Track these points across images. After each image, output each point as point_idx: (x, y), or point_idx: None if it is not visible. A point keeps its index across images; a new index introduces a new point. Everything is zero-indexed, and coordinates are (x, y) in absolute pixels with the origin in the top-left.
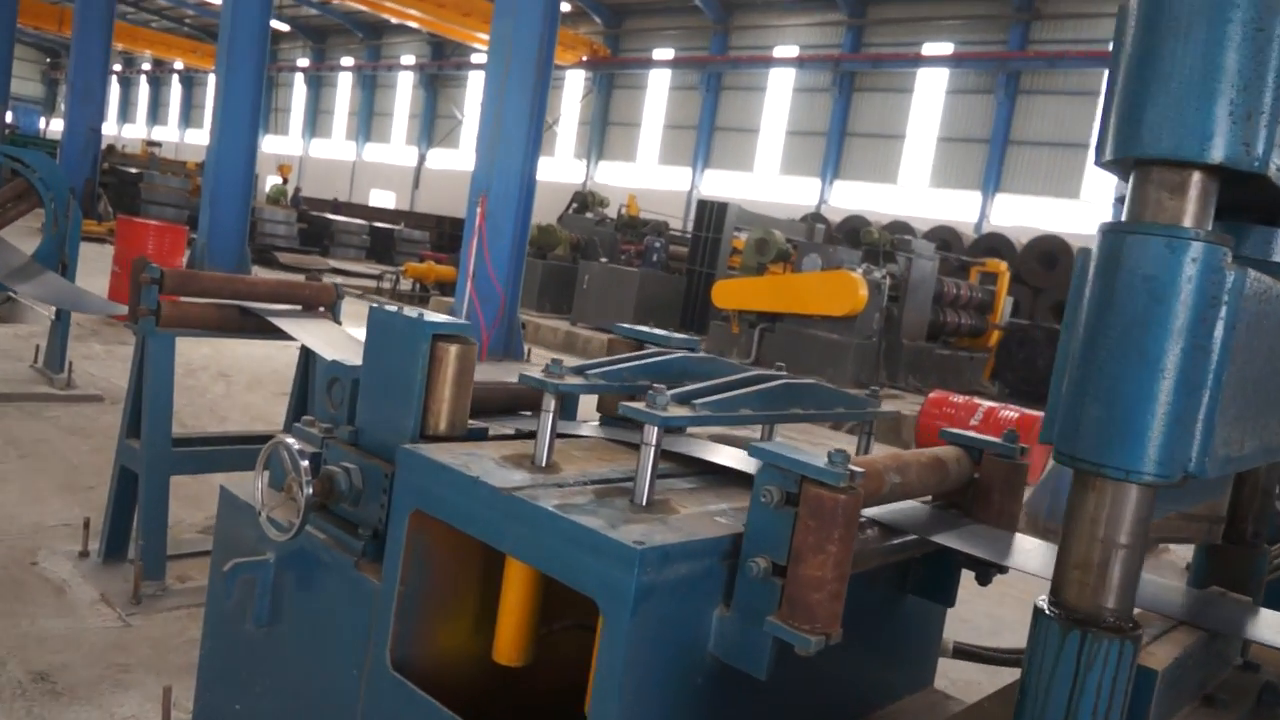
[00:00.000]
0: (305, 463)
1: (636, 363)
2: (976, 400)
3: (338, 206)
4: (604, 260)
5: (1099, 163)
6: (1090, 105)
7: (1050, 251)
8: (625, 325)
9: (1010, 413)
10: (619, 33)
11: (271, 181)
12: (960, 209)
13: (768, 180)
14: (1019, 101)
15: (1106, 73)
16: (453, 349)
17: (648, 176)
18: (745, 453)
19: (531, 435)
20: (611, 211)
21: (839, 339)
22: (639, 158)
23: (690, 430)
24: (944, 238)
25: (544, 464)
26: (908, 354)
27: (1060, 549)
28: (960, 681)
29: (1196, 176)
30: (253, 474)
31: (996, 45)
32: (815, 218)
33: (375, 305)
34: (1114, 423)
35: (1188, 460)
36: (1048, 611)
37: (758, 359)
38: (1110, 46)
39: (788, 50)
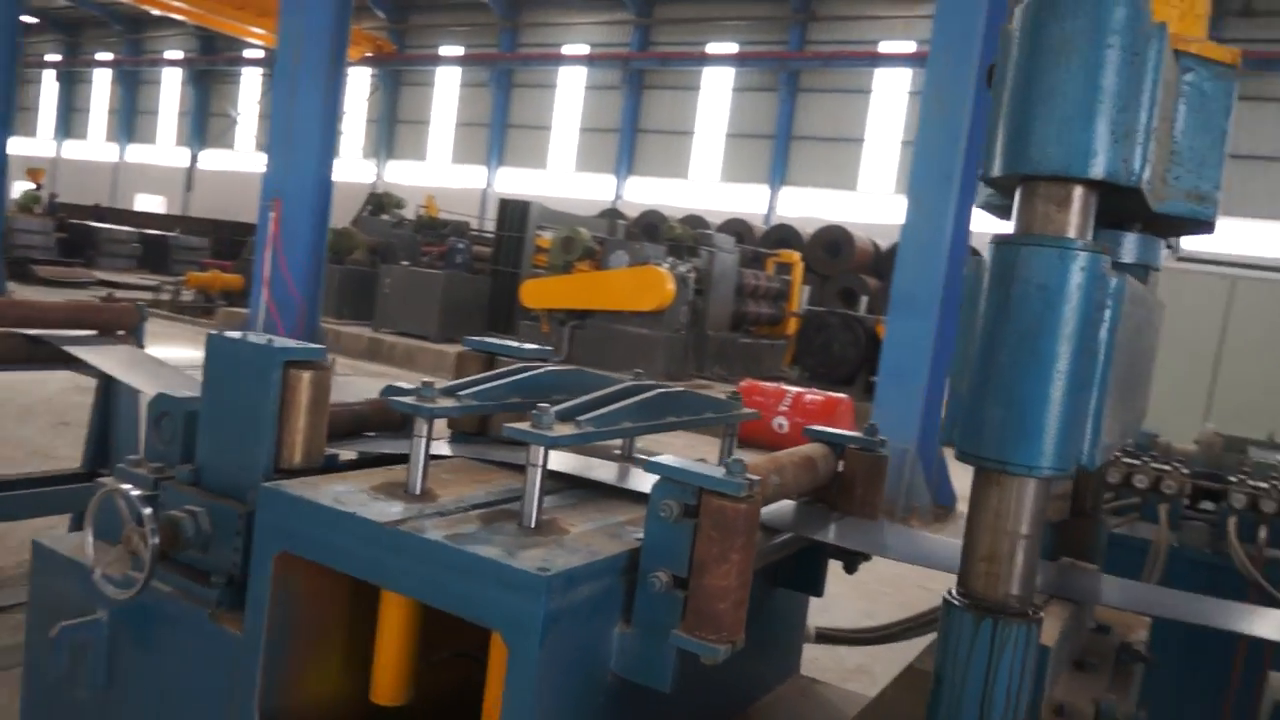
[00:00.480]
0: (148, 510)
1: (507, 380)
2: (784, 386)
3: (100, 213)
4: (405, 263)
5: (983, 178)
6: (863, 102)
7: (834, 240)
8: (474, 338)
9: (815, 396)
10: (404, 28)
11: (21, 187)
12: (750, 202)
13: (563, 177)
14: (799, 99)
15: (877, 71)
16: (306, 375)
17: (441, 175)
18: (615, 466)
19: (387, 460)
20: (408, 213)
21: (649, 333)
22: (430, 156)
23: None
24: (737, 230)
25: (418, 492)
26: (713, 345)
27: (966, 543)
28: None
29: (1079, 191)
30: (56, 522)
31: (777, 45)
32: (613, 214)
33: (214, 332)
34: (1014, 423)
35: (1080, 453)
36: (957, 603)
37: (570, 357)
38: (880, 47)
39: (577, 48)
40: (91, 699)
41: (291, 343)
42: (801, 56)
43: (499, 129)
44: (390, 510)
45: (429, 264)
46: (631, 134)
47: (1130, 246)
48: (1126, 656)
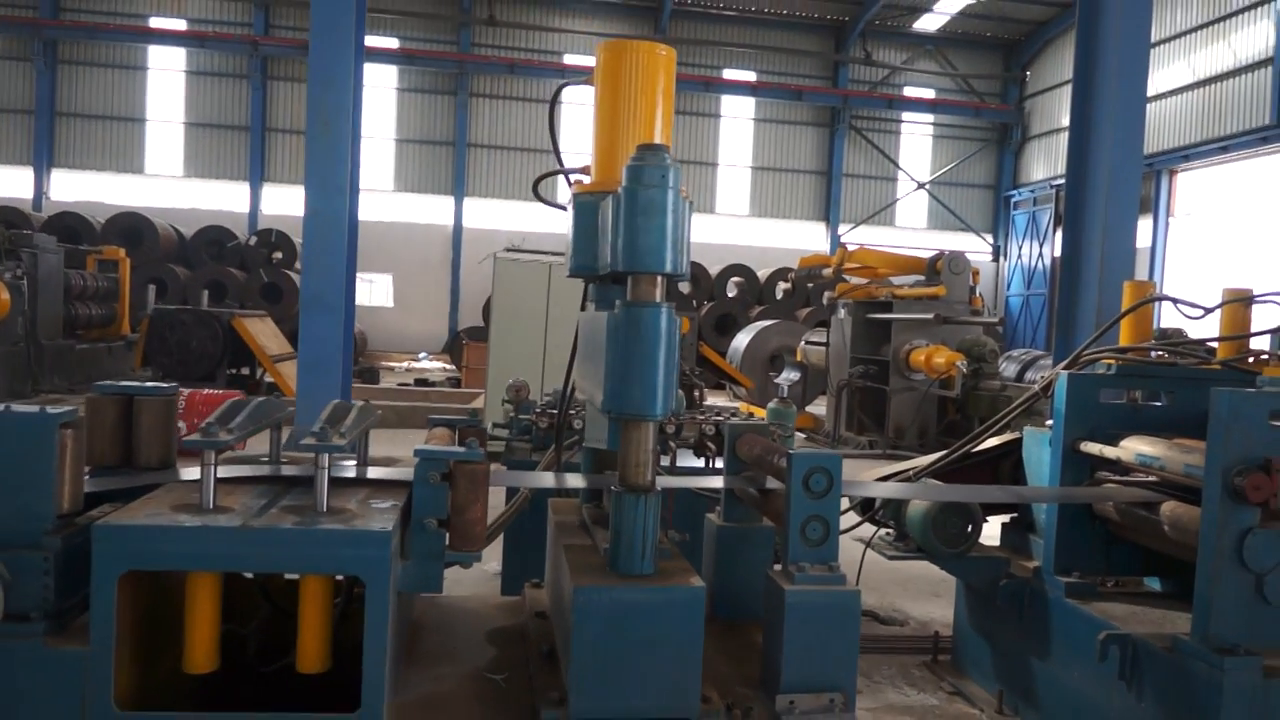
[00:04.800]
0: None
1: (245, 413)
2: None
3: None
4: None
5: (613, 269)
6: (138, 80)
7: (134, 228)
8: (108, 383)
9: (211, 392)
10: None
11: None
12: (8, 184)
13: None
14: (60, 71)
15: (151, 48)
16: (69, 434)
17: None
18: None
19: (132, 493)
20: None
21: None
22: None
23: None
24: (8, 219)
25: (212, 506)
26: (50, 355)
27: (620, 460)
28: None
29: (660, 278)
30: None
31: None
32: None
33: None
34: (645, 394)
35: (671, 405)
36: (620, 490)
37: None
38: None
39: None
40: None
41: (56, 408)
42: (59, 25)
43: None
44: (226, 519)
45: None
46: None
47: None
48: None
